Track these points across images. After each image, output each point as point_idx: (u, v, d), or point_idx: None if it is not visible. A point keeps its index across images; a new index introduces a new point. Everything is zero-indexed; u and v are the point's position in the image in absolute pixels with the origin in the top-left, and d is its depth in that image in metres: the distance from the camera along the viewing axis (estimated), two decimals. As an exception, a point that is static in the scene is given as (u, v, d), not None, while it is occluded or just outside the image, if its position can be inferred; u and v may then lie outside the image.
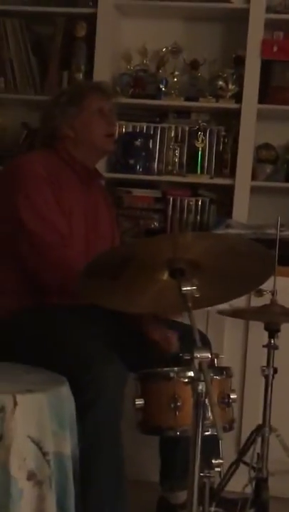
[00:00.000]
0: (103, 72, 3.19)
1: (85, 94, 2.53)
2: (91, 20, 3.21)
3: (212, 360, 2.00)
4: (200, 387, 1.62)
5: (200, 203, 3.28)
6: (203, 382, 1.62)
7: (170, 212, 3.29)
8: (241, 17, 3.14)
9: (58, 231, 2.35)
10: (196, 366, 1.63)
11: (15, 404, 1.83)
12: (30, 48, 3.30)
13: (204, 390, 1.61)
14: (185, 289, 1.75)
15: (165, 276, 1.85)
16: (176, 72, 3.27)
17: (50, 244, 2.31)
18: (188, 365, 1.99)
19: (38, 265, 2.31)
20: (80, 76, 3.24)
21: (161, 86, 3.23)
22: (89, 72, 3.22)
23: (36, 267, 2.32)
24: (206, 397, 1.64)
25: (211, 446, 1.83)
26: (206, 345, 1.89)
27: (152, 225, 3.29)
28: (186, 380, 1.95)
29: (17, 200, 2.34)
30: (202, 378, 1.62)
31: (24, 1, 3.31)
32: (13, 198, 2.36)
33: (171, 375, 2.00)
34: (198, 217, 3.27)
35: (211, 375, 1.87)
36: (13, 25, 3.29)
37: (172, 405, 1.97)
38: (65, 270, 2.22)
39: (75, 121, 2.50)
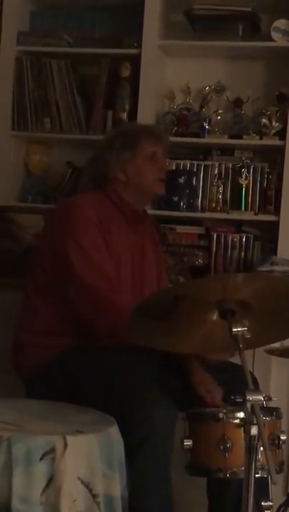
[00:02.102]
0: (147, 111, 3.22)
1: (139, 139, 2.55)
2: (135, 60, 3.26)
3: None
4: (253, 430, 1.61)
5: (244, 240, 3.27)
6: (255, 425, 1.61)
7: (214, 249, 3.29)
8: (284, 55, 3.16)
9: (106, 276, 2.36)
10: (249, 409, 1.62)
11: (65, 445, 1.83)
12: (76, 89, 3.35)
13: (257, 433, 1.60)
14: (236, 330, 1.75)
15: (215, 316, 1.85)
16: (220, 110, 3.29)
17: (99, 289, 2.32)
18: (237, 405, 1.99)
19: (86, 310, 2.33)
20: (124, 116, 3.28)
21: (204, 124, 3.25)
22: (133, 112, 3.26)
23: (84, 311, 2.33)
24: (258, 440, 1.62)
25: (261, 488, 1.81)
26: (257, 387, 1.88)
27: (196, 262, 3.29)
28: (236, 422, 1.95)
29: (67, 243, 2.37)
30: (254, 421, 1.61)
31: (70, 43, 3.37)
32: (63, 241, 2.38)
33: (220, 415, 1.99)
34: (243, 254, 3.27)
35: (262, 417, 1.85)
36: (59, 67, 3.35)
37: (221, 447, 1.96)
38: (114, 315, 2.23)
39: (127, 165, 2.53)
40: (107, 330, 2.28)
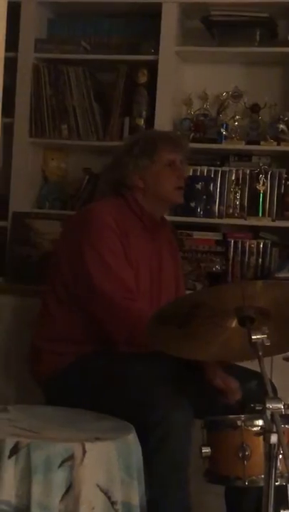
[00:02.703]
0: (164, 117, 3.22)
1: (157, 146, 2.55)
2: (152, 66, 3.26)
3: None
4: (272, 438, 1.60)
5: (261, 246, 3.26)
6: (275, 434, 1.60)
7: (231, 255, 3.28)
8: (301, 61, 3.16)
9: (123, 283, 2.36)
10: (268, 417, 1.61)
11: (84, 452, 1.83)
12: (93, 95, 3.35)
13: (276, 441, 1.59)
14: (255, 337, 1.74)
15: (234, 324, 1.85)
16: (237, 116, 3.29)
17: (115, 296, 2.31)
18: (255, 412, 1.98)
19: (104, 318, 2.33)
20: (142, 122, 3.28)
21: (222, 130, 3.25)
22: (150, 118, 3.26)
23: (101, 319, 2.33)
24: (278, 448, 1.62)
25: (280, 497, 1.80)
26: (276, 394, 1.87)
27: (214, 268, 3.28)
28: (256, 430, 1.93)
29: (85, 250, 2.37)
30: (274, 429, 1.61)
31: (87, 50, 3.38)
32: (80, 248, 2.38)
33: (238, 423, 1.97)
34: (260, 260, 3.25)
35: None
36: (77, 73, 3.36)
37: (240, 454, 1.94)
38: (131, 323, 2.24)
39: (146, 172, 2.53)
40: (125, 337, 2.28)
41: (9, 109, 3.29)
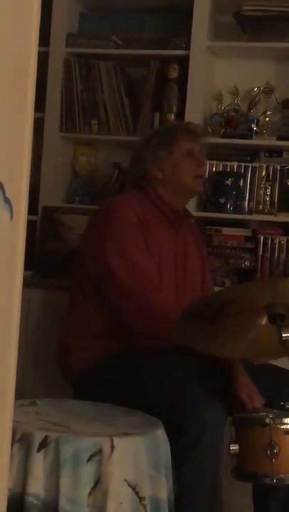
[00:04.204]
0: (195, 112, 3.21)
1: (175, 136, 2.55)
2: (183, 61, 3.25)
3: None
4: (302, 437, 1.59)
5: (291, 243, 3.24)
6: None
7: (261, 252, 3.26)
8: None
9: (146, 276, 2.35)
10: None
11: (112, 447, 1.83)
12: (124, 90, 3.35)
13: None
14: (286, 335, 1.73)
15: (263, 321, 1.84)
16: (268, 112, 3.27)
17: (137, 289, 2.31)
18: (284, 410, 1.97)
19: (125, 310, 2.33)
20: (172, 117, 3.27)
21: (252, 125, 3.23)
22: (180, 113, 3.25)
23: (123, 311, 2.33)
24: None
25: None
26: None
27: (243, 265, 3.27)
28: (284, 428, 1.93)
29: (106, 244, 2.37)
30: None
31: (118, 44, 3.38)
32: (102, 242, 2.39)
33: (267, 421, 1.97)
34: (290, 257, 3.24)
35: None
36: (107, 68, 3.36)
37: (268, 452, 1.94)
38: (153, 315, 2.23)
39: (164, 163, 2.53)
40: (146, 329, 2.28)
41: (40, 103, 3.30)
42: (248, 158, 3.32)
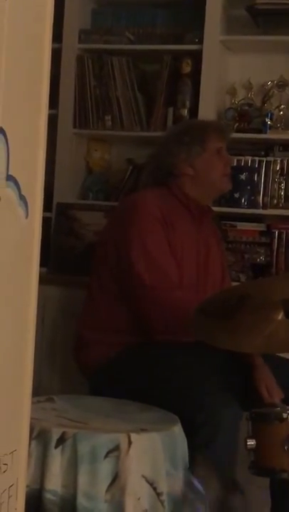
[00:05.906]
0: (208, 107, 3.20)
1: (208, 134, 2.57)
2: (196, 56, 3.24)
3: None
4: None
5: (306, 237, 3.23)
6: None
7: (276, 246, 3.25)
8: None
9: (165, 273, 2.36)
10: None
11: (129, 443, 1.83)
12: (137, 86, 3.35)
13: None
14: (302, 330, 1.73)
15: (280, 316, 1.83)
16: (282, 106, 3.26)
17: (157, 287, 2.32)
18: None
19: (142, 306, 2.33)
20: (185, 112, 3.26)
21: (266, 120, 3.22)
22: (194, 108, 3.24)
23: (140, 307, 2.34)
24: None
25: None
26: None
27: (258, 260, 3.26)
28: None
29: (129, 240, 2.38)
30: None
31: (131, 40, 3.38)
32: (125, 239, 2.39)
33: (284, 416, 1.96)
34: (305, 251, 3.22)
35: None
36: (120, 64, 3.36)
37: (286, 447, 1.93)
38: (171, 311, 2.23)
39: (197, 160, 2.54)
40: (164, 325, 2.29)
41: (53, 100, 3.30)
42: (262, 153, 3.31)
